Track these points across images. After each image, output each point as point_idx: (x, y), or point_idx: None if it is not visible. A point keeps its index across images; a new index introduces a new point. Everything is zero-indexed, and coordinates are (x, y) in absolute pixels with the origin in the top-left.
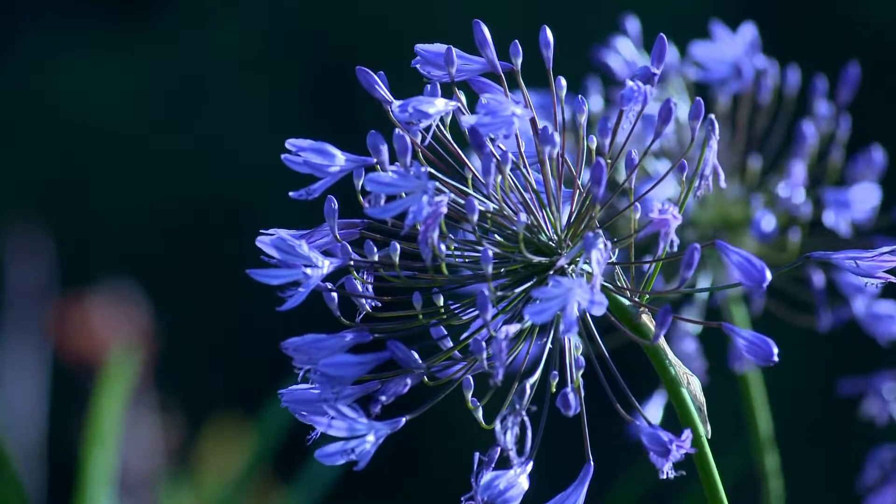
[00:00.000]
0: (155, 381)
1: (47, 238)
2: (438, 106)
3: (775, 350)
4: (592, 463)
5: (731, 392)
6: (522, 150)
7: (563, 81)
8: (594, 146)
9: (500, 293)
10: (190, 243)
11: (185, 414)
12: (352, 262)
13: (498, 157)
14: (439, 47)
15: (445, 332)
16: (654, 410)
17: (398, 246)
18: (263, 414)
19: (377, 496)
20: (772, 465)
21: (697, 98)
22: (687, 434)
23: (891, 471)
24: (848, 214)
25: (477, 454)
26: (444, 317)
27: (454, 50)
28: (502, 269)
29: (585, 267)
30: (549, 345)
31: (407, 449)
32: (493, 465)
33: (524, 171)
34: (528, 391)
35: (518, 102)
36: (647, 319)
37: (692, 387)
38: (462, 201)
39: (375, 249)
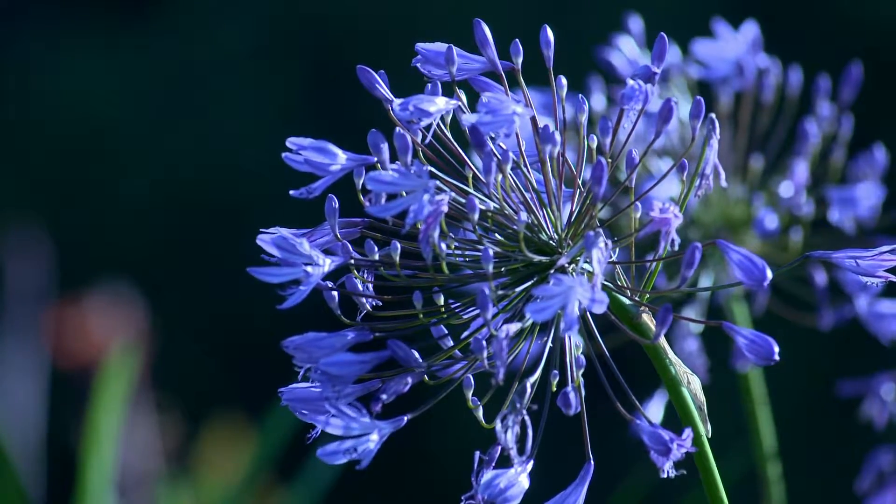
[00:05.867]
0: (154, 382)
1: (46, 239)
2: (439, 104)
3: (776, 349)
4: (593, 462)
5: (732, 391)
6: (523, 149)
7: (564, 80)
8: (595, 145)
9: (500, 292)
10: (189, 243)
11: (184, 414)
12: (352, 261)
13: (498, 156)
14: (440, 46)
15: (446, 331)
16: (655, 409)
17: (399, 245)
18: (266, 416)
19: (377, 496)
20: (773, 468)
21: (697, 97)
22: (687, 433)
23: (890, 473)
24: (853, 212)
25: (477, 453)
26: (445, 316)
27: (455, 49)
28: (503, 268)
29: (586, 266)
30: (549, 344)
31: (407, 448)
32: (493, 464)
33: (525, 170)
34: (528, 390)
35: (519, 101)
36: (647, 318)
37: (693, 386)
38: (463, 200)
39: (376, 248)
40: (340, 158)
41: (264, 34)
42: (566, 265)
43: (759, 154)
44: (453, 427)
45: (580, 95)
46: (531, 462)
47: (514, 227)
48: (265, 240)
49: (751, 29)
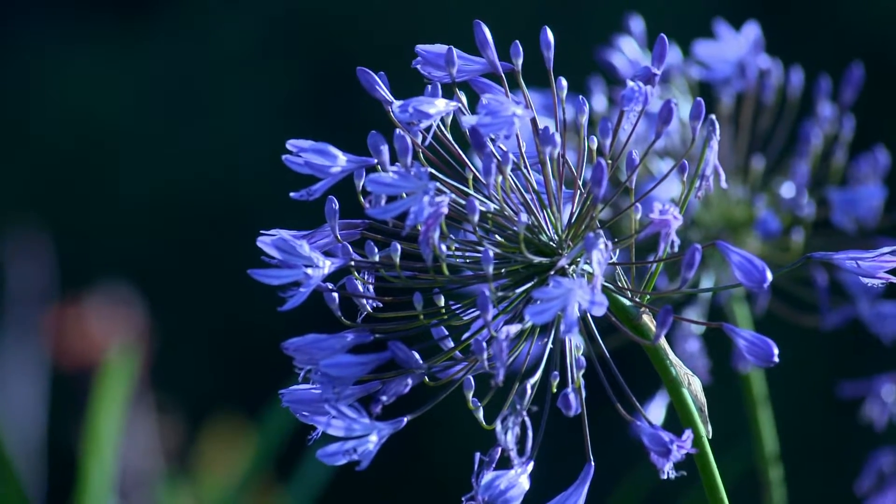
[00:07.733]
0: (154, 382)
1: (47, 239)
2: (439, 106)
3: (775, 350)
4: (593, 463)
5: (733, 392)
6: (523, 150)
7: (564, 82)
8: (595, 146)
9: (500, 293)
10: (190, 244)
11: (184, 415)
12: (353, 263)
13: (499, 158)
14: (440, 48)
15: (446, 333)
16: (655, 411)
17: (399, 246)
18: (265, 416)
19: (376, 495)
20: (773, 469)
21: (698, 98)
22: (688, 434)
23: (890, 474)
24: (854, 213)
25: (478, 454)
26: (445, 317)
27: (455, 50)
28: (503, 270)
29: (586, 267)
30: (549, 345)
31: (406, 448)
32: (493, 466)
33: (525, 171)
34: (528, 391)
35: (519, 103)
36: (647, 320)
37: (693, 387)
38: (463, 202)
39: (376, 250)
40: (340, 160)
41: (264, 35)
42: (566, 266)
43: (761, 155)
44: (453, 427)
45: (580, 97)
46: (531, 463)
47: (515, 228)
48: (265, 241)
49: (752, 30)
